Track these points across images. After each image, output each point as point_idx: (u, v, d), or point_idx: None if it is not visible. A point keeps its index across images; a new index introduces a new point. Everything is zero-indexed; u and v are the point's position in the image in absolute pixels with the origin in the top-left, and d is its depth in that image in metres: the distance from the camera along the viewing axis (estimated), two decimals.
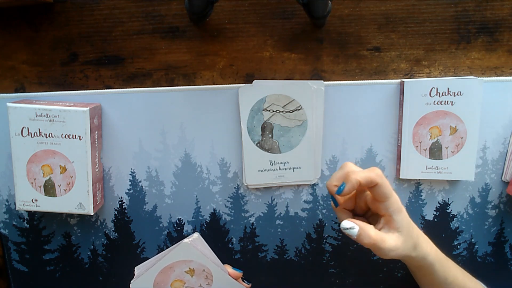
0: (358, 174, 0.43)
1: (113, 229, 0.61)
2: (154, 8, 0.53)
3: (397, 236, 0.44)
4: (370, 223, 0.45)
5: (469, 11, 0.53)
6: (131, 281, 0.53)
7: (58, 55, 0.55)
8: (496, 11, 0.53)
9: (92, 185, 0.54)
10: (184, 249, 0.52)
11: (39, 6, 0.53)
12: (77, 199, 0.54)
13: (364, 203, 0.48)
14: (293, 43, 0.54)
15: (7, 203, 0.60)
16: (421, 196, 0.58)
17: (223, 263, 0.56)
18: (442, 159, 0.55)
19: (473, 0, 0.52)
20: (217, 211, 0.60)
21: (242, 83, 0.55)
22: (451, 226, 0.59)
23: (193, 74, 0.56)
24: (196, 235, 0.56)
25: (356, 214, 0.50)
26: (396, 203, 0.44)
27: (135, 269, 0.56)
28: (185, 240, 0.54)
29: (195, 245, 0.53)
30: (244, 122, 0.55)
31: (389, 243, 0.43)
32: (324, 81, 0.55)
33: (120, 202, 0.59)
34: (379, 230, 0.45)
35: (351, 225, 0.43)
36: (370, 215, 0.49)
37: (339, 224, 0.48)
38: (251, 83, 0.55)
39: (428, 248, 0.48)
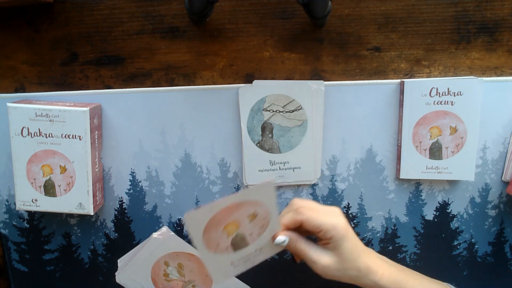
0: (283, 219, 0.45)
1: (113, 229, 0.60)
2: (154, 8, 0.53)
3: (331, 256, 0.44)
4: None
5: (469, 11, 0.53)
6: (115, 273, 0.53)
7: (58, 55, 0.55)
8: (496, 11, 0.53)
9: (92, 185, 0.54)
10: (265, 187, 0.43)
11: (39, 6, 0.53)
12: (77, 199, 0.54)
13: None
14: (293, 43, 0.54)
15: (7, 203, 0.60)
16: (421, 196, 0.58)
17: None
18: (442, 159, 0.55)
19: (473, 0, 0.52)
20: None
21: (242, 83, 0.55)
22: (451, 226, 0.59)
23: (193, 74, 0.55)
24: (165, 228, 0.55)
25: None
26: (334, 230, 0.43)
27: (117, 261, 0.55)
28: (154, 234, 0.53)
29: (164, 238, 0.53)
30: (244, 122, 0.55)
31: (323, 260, 0.44)
32: (324, 81, 0.55)
33: (120, 202, 0.59)
34: (320, 245, 0.45)
35: (284, 239, 0.45)
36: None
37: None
38: (251, 83, 0.55)
39: (380, 274, 0.46)
